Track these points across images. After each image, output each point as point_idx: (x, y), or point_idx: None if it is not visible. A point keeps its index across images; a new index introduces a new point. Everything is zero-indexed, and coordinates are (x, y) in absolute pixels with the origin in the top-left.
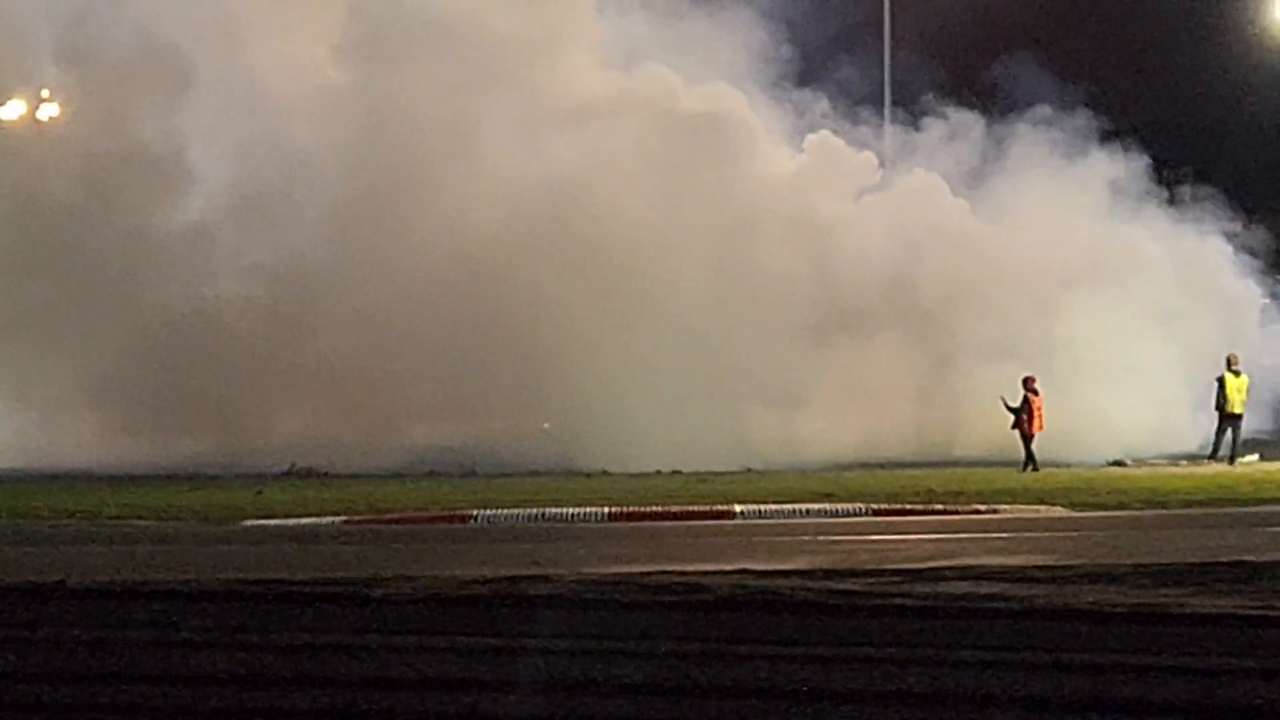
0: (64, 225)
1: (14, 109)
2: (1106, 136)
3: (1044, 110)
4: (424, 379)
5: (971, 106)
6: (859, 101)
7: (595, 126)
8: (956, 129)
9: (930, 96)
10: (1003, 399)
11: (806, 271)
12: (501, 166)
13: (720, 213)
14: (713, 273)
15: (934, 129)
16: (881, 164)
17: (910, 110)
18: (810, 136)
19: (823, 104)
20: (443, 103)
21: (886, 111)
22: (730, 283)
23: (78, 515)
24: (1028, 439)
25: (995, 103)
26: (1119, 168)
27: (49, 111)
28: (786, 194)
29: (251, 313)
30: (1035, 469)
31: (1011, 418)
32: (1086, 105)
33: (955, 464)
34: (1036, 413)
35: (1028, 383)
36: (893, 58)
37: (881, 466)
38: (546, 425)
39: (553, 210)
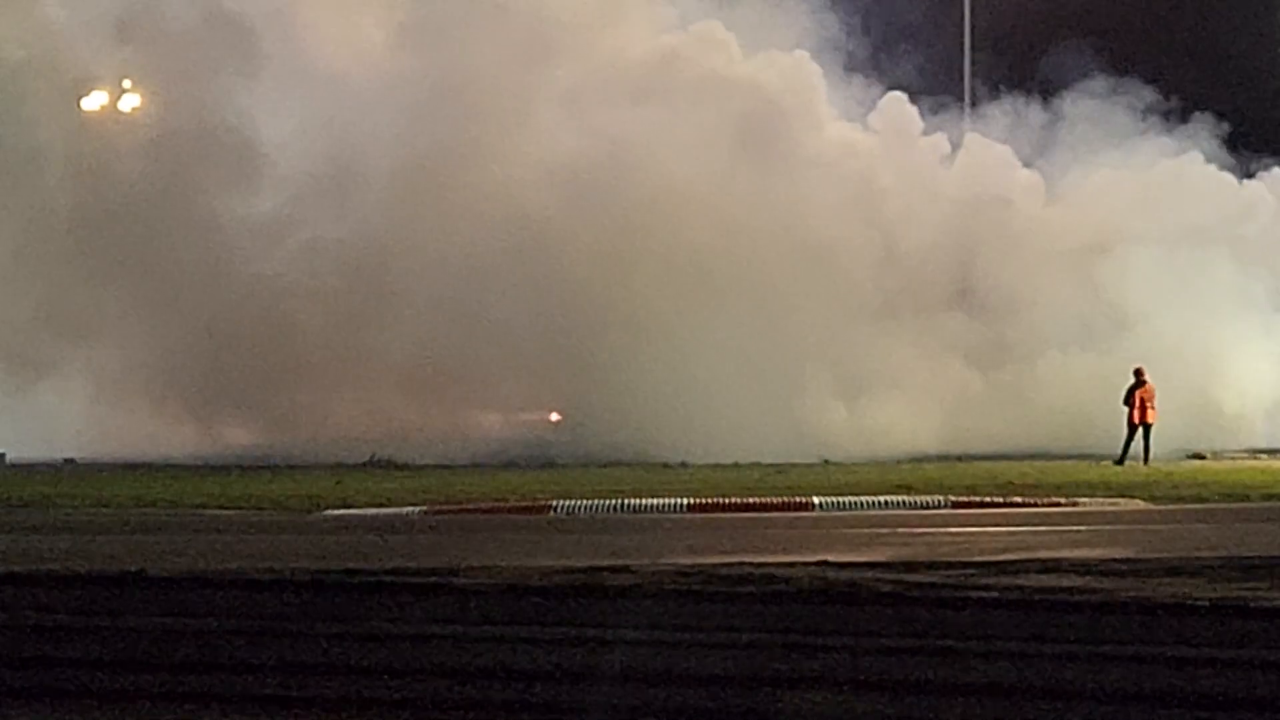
0: (142, 214)
1: (97, 99)
2: (1178, 115)
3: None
4: (499, 368)
5: (1041, 85)
6: (931, 80)
7: (660, 101)
8: (1026, 108)
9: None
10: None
11: (877, 252)
12: (567, 148)
13: (791, 193)
14: (786, 257)
15: (1005, 108)
16: (953, 141)
17: (984, 90)
18: (881, 102)
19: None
20: (504, 81)
21: (967, 80)
22: (802, 267)
23: (158, 504)
24: (1133, 429)
25: (1065, 81)
26: (1194, 147)
27: (131, 102)
28: (856, 169)
29: (327, 300)
30: (1146, 461)
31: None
32: (1157, 84)
33: (1034, 456)
34: (1146, 403)
35: (1138, 373)
36: (970, 32)
37: (959, 459)
38: (555, 416)
39: (625, 194)
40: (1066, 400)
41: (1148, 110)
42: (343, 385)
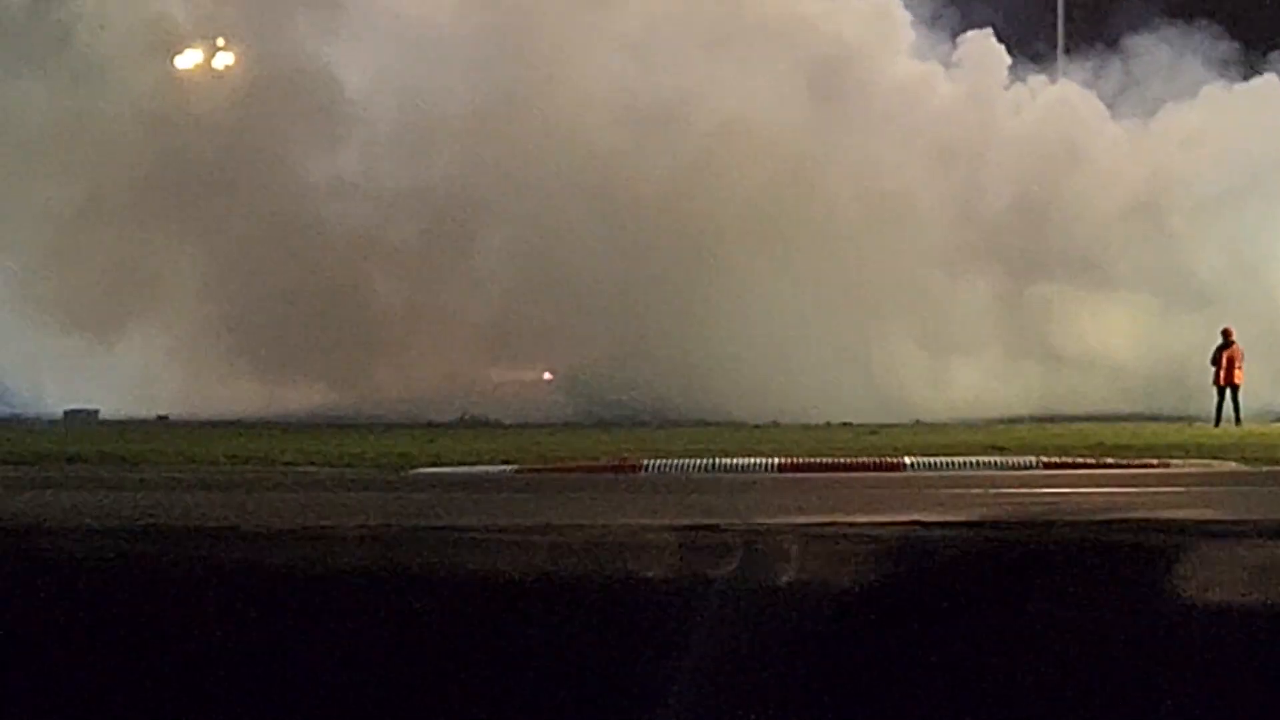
0: (231, 172)
1: (191, 58)
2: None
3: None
4: (589, 327)
5: (1128, 32)
6: (1020, 25)
7: (732, 43)
8: (1115, 57)
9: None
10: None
11: (957, 203)
12: (640, 93)
13: (868, 139)
14: (863, 206)
15: (1093, 55)
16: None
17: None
18: (964, 42)
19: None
20: (576, 26)
21: (1060, 21)
22: (879, 217)
23: (250, 461)
24: (1221, 391)
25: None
26: None
27: (224, 60)
28: (935, 113)
29: (409, 255)
30: (1237, 422)
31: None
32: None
33: (1125, 418)
34: (1234, 364)
35: (1225, 334)
36: None
37: (1051, 420)
38: (548, 375)
39: (699, 143)
40: (1157, 361)
41: (1229, 63)
42: (429, 341)
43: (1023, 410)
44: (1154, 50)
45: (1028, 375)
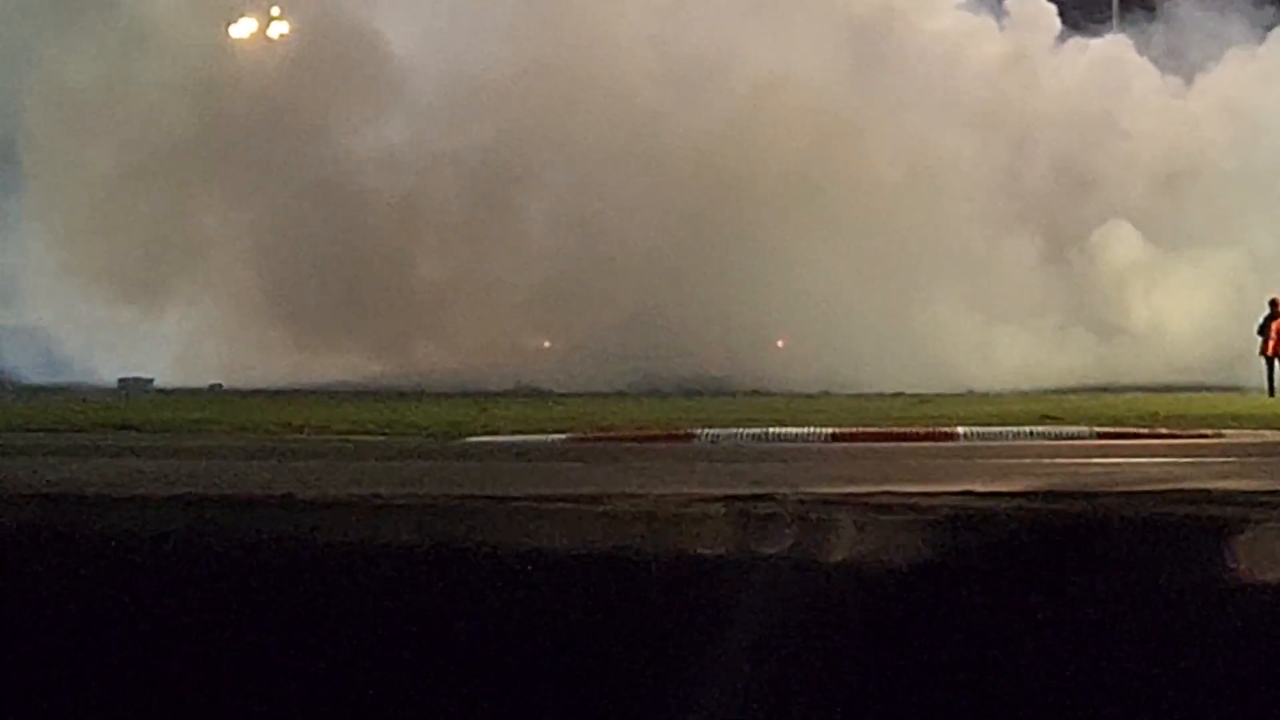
0: (281, 140)
1: (246, 27)
2: None
3: None
4: (636, 294)
5: None
6: None
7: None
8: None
9: None
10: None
11: (1003, 166)
12: (700, 62)
13: (922, 107)
14: (908, 167)
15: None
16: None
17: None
18: None
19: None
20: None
21: None
22: (925, 179)
23: (304, 430)
24: (1269, 361)
25: None
26: None
27: (279, 29)
28: (982, 71)
29: (458, 222)
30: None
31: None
32: None
33: (1178, 388)
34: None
35: (1273, 304)
36: None
37: (1104, 389)
38: (547, 344)
39: (753, 110)
40: (1209, 330)
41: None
42: (477, 309)
43: (1075, 380)
44: (1204, 10)
45: (1079, 344)
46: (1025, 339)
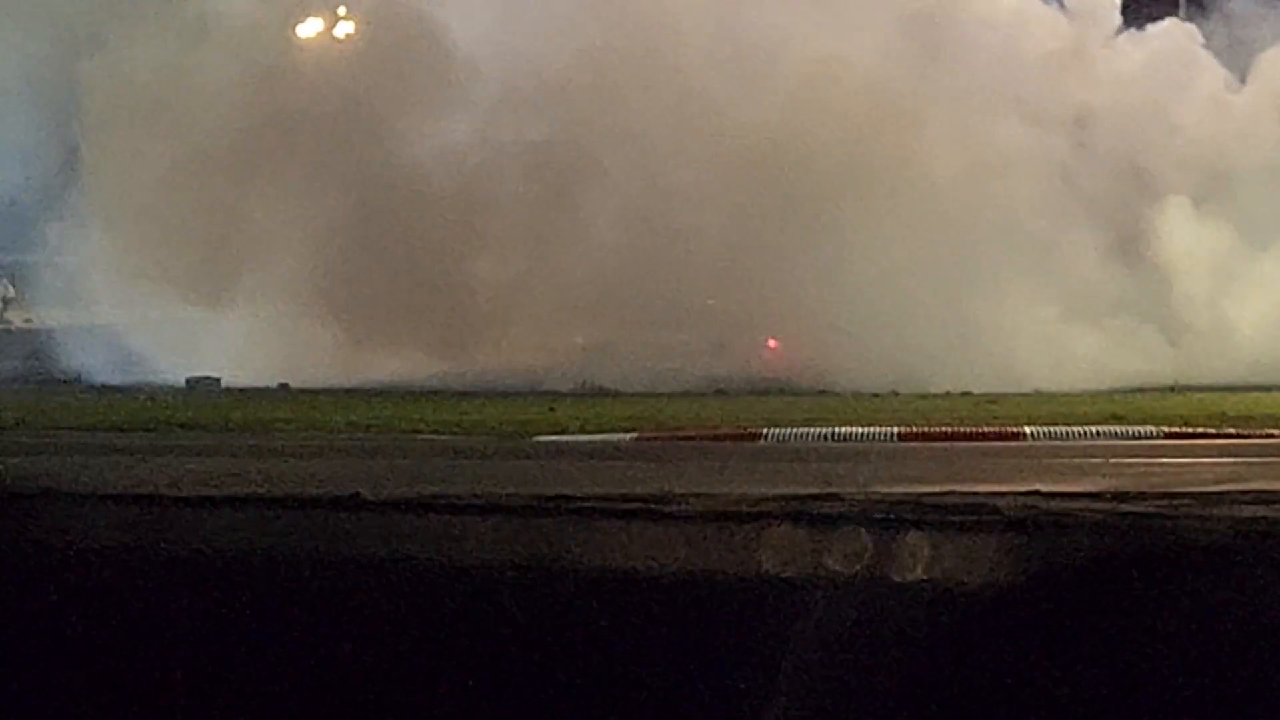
0: (344, 135)
1: (313, 26)
2: None
3: None
4: (707, 292)
5: None
6: None
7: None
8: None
9: None
10: None
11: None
12: (760, 52)
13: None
14: (978, 162)
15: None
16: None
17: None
18: None
19: None
20: None
21: None
22: (995, 174)
23: (371, 428)
24: None
25: None
26: None
27: (345, 29)
28: (1042, 56)
29: (527, 220)
30: None
31: None
32: None
33: (1247, 388)
34: None
35: None
36: None
37: (1172, 389)
38: (580, 339)
39: (822, 104)
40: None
41: None
42: (544, 307)
43: (1146, 380)
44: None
45: (1148, 343)
46: (1094, 337)
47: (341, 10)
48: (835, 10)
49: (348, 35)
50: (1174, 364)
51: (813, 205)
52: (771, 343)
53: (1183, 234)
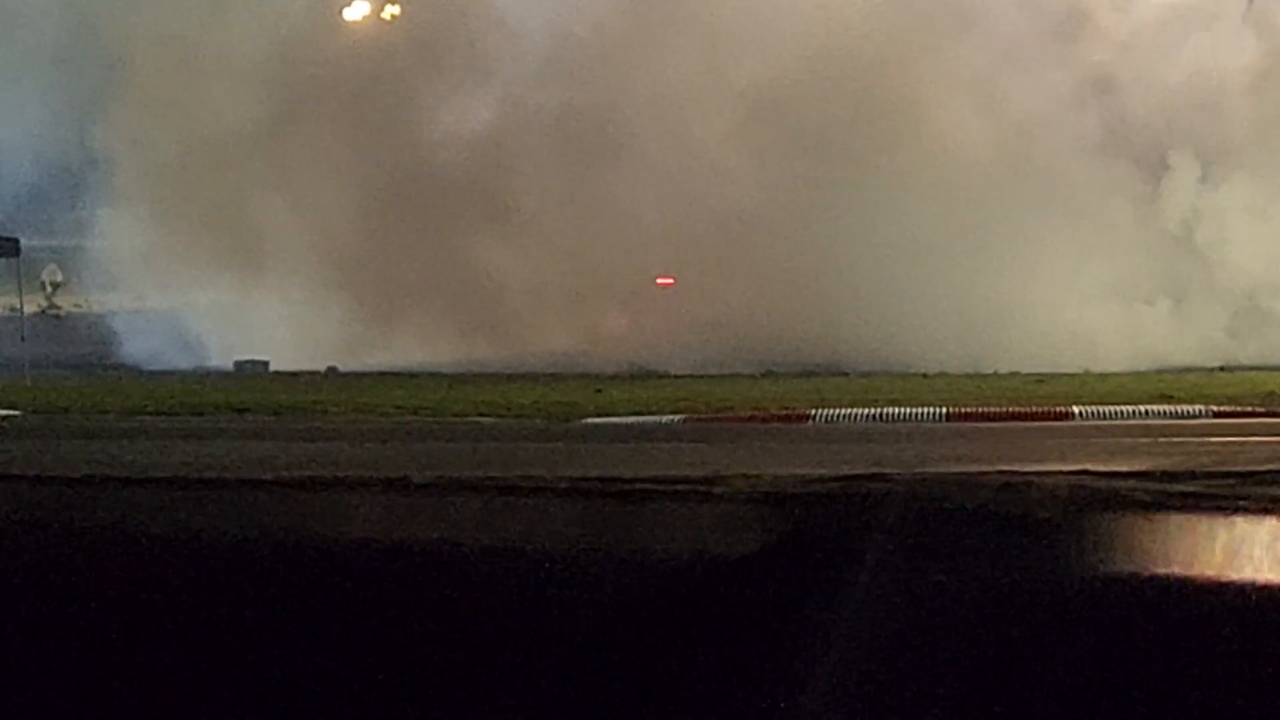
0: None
1: (359, 9)
2: None
3: None
4: (751, 272)
5: None
6: None
7: None
8: None
9: None
10: None
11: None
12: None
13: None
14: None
15: None
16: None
17: None
18: None
19: None
20: None
21: None
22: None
23: (420, 411)
24: None
25: None
26: None
27: (392, 10)
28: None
29: (573, 207)
30: None
31: None
32: None
33: None
34: None
35: None
36: None
37: (1221, 369)
38: (625, 322)
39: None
40: None
41: None
42: (587, 289)
43: (1195, 359)
44: None
45: (1198, 321)
46: (1142, 316)
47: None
48: None
49: (394, 21)
50: (1224, 343)
51: (857, 188)
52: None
53: (1232, 209)
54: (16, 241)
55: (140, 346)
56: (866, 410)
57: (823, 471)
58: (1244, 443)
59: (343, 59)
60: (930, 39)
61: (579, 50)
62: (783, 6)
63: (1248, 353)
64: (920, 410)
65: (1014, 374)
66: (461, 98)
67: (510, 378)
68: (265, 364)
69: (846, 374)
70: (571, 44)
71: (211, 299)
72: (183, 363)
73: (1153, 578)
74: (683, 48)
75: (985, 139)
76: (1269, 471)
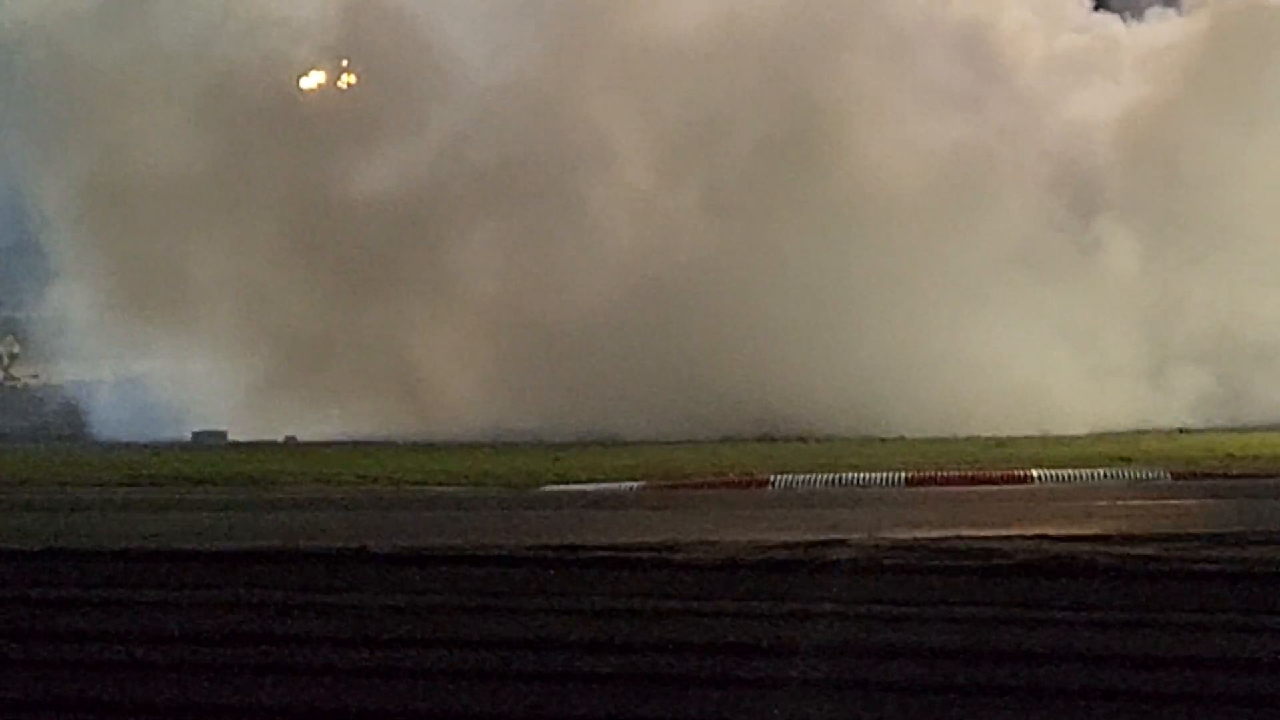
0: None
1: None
2: None
3: None
4: (709, 339)
5: None
6: None
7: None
8: None
9: None
10: None
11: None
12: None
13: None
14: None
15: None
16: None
17: None
18: None
19: None
20: None
21: None
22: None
23: (379, 480)
24: None
25: None
26: None
27: (347, 79)
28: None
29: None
30: None
31: None
32: None
33: (1255, 428)
34: None
35: None
36: None
37: (1181, 431)
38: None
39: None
40: None
41: None
42: (549, 355)
43: (1154, 422)
44: None
45: (1158, 383)
46: (1113, 374)
47: (345, 63)
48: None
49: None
50: (1181, 405)
51: (808, 244)
52: None
53: (1200, 281)
54: None
55: (97, 417)
56: (826, 475)
57: (782, 538)
58: (1203, 504)
59: (294, 128)
60: (874, 91)
61: (521, 97)
62: (718, 54)
63: (1205, 416)
64: (879, 475)
65: (973, 438)
66: (412, 168)
67: (468, 445)
68: (223, 434)
69: (804, 440)
70: (509, 97)
71: (169, 370)
72: (138, 434)
73: (1111, 640)
74: (610, 105)
75: (940, 202)
76: (1229, 534)
